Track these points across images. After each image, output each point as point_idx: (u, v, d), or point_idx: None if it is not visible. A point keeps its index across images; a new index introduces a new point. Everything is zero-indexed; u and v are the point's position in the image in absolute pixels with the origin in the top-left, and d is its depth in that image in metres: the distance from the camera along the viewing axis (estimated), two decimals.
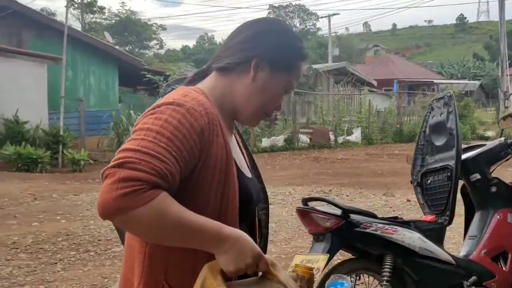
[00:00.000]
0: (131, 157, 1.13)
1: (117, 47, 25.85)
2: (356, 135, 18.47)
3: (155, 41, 53.15)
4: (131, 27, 47.30)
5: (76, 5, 43.98)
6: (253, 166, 1.57)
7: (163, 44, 56.84)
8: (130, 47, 47.29)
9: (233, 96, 1.40)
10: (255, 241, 1.38)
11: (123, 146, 1.18)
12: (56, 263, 5.09)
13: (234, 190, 1.32)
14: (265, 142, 16.20)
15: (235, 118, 1.45)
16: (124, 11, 50.75)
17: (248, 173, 1.45)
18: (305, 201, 3.22)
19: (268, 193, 1.68)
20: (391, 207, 7.72)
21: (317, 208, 3.16)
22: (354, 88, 24.77)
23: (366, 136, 18.70)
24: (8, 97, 12.20)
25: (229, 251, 1.20)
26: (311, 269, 1.30)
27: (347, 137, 18.26)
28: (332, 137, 17.64)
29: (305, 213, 3.11)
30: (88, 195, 8.59)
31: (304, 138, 17.07)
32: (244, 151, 1.54)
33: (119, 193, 1.10)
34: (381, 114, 20.81)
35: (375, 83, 27.85)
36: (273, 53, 1.39)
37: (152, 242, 1.26)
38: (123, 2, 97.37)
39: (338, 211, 3.06)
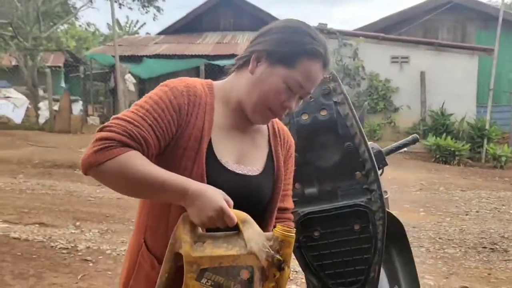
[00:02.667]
0: (111, 122, 1.33)
1: None
2: None
3: None
4: None
5: None
6: (271, 167, 1.55)
7: None
8: None
9: (238, 91, 1.46)
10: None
11: (116, 115, 1.38)
12: None
13: (199, 169, 1.38)
14: None
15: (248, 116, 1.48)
16: None
17: (237, 167, 1.46)
18: None
19: None
20: None
21: None
22: None
23: None
24: (437, 90, 12.62)
25: (192, 204, 1.28)
26: (289, 231, 1.30)
27: None
28: None
29: None
30: (475, 192, 8.12)
31: None
32: (268, 149, 1.56)
33: (93, 150, 1.28)
34: None
35: None
36: (273, 46, 1.40)
37: (123, 194, 1.39)
38: None
39: None
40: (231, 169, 1.43)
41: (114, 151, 1.27)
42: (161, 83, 1.44)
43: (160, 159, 1.38)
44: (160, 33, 20.11)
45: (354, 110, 1.95)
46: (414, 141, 2.45)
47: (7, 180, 8.18)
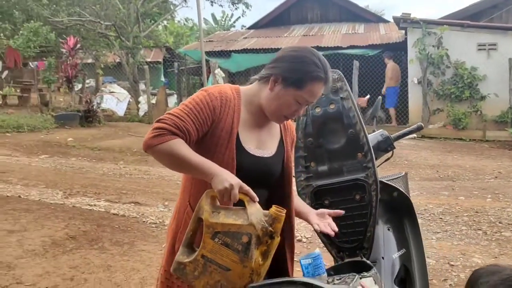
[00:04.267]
0: (165, 117, 1.87)
1: None
2: None
3: None
4: None
5: None
6: (281, 151, 2.12)
7: None
8: None
9: (260, 98, 2.01)
10: (280, 201, 2.01)
11: (169, 111, 1.93)
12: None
13: (231, 154, 1.93)
14: None
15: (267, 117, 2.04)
16: None
17: (257, 151, 2.01)
18: None
19: None
20: None
21: None
22: None
23: None
24: None
25: (212, 180, 1.81)
26: (280, 211, 1.78)
27: None
28: None
29: None
30: None
31: None
32: (280, 137, 2.14)
33: (151, 135, 1.83)
34: None
35: None
36: (286, 73, 1.93)
37: (170, 168, 1.92)
38: None
39: None
40: (252, 153, 2.00)
41: (165, 137, 1.81)
42: (201, 89, 2.02)
43: (199, 145, 1.93)
44: (250, 27, 20.87)
45: (356, 104, 2.44)
46: (419, 128, 2.84)
47: (110, 165, 9.32)
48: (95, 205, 6.30)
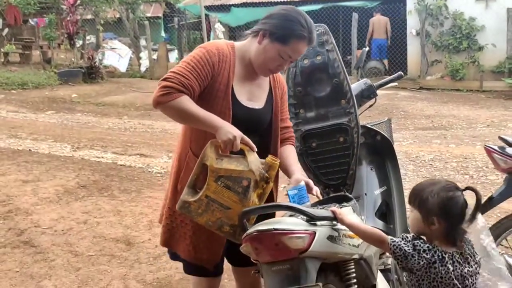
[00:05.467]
0: (170, 75, 2.08)
1: None
2: None
3: None
4: None
5: None
6: (270, 102, 2.32)
7: None
8: None
9: (250, 53, 2.22)
10: (269, 147, 2.28)
11: (172, 69, 2.14)
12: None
13: (227, 105, 2.16)
14: None
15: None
16: None
17: (249, 103, 2.23)
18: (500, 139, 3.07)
19: None
20: None
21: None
22: None
23: None
24: None
25: (217, 132, 2.05)
26: (275, 160, 2.06)
27: None
28: None
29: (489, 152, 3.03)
30: None
31: None
32: (269, 89, 2.33)
33: (160, 93, 2.05)
34: None
35: None
36: (274, 28, 2.13)
37: (178, 122, 2.20)
38: None
39: None
40: (244, 105, 2.22)
41: (173, 95, 2.04)
42: (199, 46, 2.23)
43: (199, 97, 2.14)
44: None
45: (339, 55, 2.69)
46: (399, 77, 3.10)
47: (115, 120, 9.61)
48: (102, 157, 6.63)
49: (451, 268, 1.85)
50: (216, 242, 2.22)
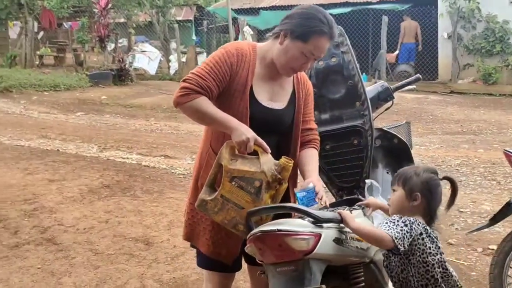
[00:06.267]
0: (189, 77, 2.14)
1: None
2: None
3: None
4: None
5: None
6: (293, 103, 2.31)
7: None
8: None
9: (272, 53, 2.23)
10: (289, 147, 2.31)
11: (192, 70, 2.20)
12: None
13: (245, 104, 2.19)
14: None
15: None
16: None
17: (269, 103, 2.24)
18: None
19: None
20: None
21: None
22: None
23: None
24: None
25: (232, 132, 2.10)
26: (288, 161, 2.07)
27: None
28: None
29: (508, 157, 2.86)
30: None
31: None
32: (292, 90, 2.33)
33: (179, 94, 2.13)
34: None
35: None
36: (294, 27, 2.14)
37: (198, 123, 2.25)
38: None
39: None
40: (264, 105, 2.23)
41: (191, 96, 2.10)
42: (221, 46, 2.26)
43: (220, 97, 2.19)
44: None
45: (354, 57, 2.67)
46: (417, 79, 3.05)
47: (142, 122, 9.75)
48: (127, 158, 6.73)
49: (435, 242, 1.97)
50: (234, 238, 2.24)
